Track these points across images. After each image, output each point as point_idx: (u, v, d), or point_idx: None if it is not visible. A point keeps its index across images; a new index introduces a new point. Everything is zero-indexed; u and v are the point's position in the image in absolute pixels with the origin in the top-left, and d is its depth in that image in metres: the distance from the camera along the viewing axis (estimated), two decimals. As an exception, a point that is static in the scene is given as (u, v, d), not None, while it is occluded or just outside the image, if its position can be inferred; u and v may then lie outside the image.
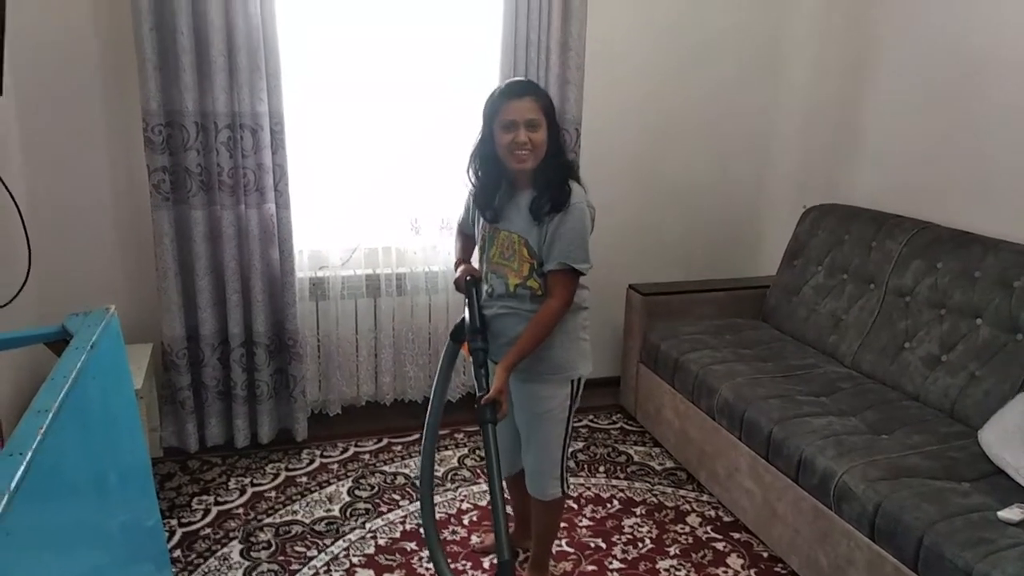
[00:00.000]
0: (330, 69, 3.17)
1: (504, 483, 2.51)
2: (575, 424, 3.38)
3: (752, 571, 2.51)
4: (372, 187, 3.31)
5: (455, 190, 3.31)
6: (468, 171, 2.15)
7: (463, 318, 2.17)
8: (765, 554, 2.59)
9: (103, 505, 1.73)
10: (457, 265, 2.30)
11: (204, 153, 2.92)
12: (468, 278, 2.19)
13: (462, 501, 2.88)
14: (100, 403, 1.79)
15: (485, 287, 2.16)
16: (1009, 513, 1.95)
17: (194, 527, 2.68)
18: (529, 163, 2.00)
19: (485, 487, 2.95)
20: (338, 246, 3.34)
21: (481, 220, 2.17)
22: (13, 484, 1.08)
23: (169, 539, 2.60)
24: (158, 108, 2.82)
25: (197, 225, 2.95)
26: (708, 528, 2.74)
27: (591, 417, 3.59)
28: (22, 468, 1.13)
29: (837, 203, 3.42)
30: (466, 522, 2.75)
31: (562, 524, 2.68)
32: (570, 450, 2.32)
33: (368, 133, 3.26)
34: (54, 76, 2.89)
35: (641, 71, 3.62)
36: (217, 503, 2.83)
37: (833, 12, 3.53)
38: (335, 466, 3.11)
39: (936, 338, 2.68)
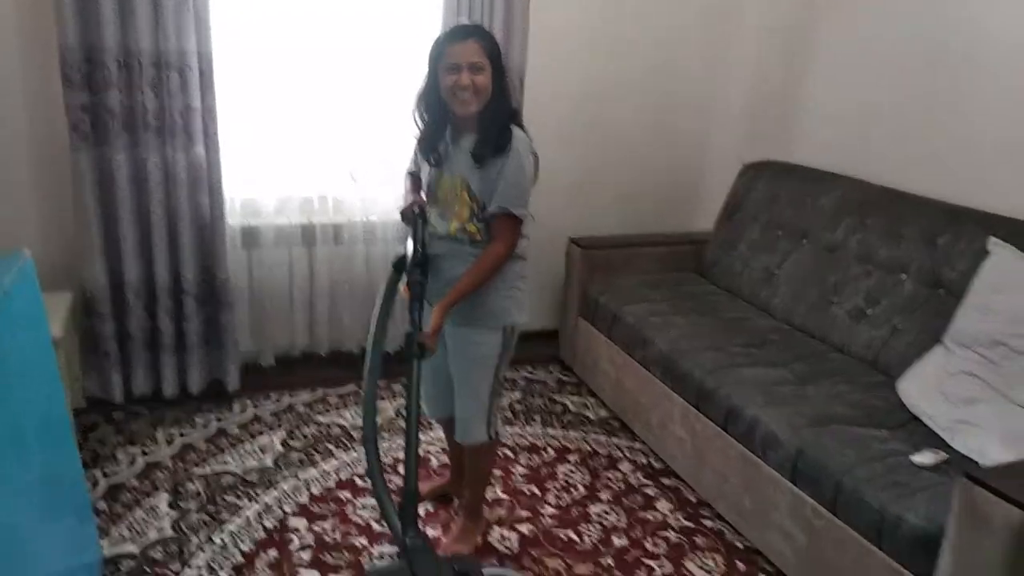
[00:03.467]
0: (263, 7, 3.03)
1: (443, 430, 2.53)
2: (510, 374, 3.44)
3: (680, 515, 2.58)
4: (308, 134, 3.20)
5: (396, 138, 3.25)
6: (414, 114, 2.12)
7: (405, 250, 2.12)
8: (693, 499, 2.66)
9: (18, 456, 1.66)
10: (406, 196, 2.27)
11: (127, 92, 2.78)
12: (416, 209, 2.15)
13: (399, 450, 2.87)
14: (13, 351, 1.72)
15: (430, 227, 2.13)
16: (922, 457, 2.04)
17: (120, 479, 2.61)
18: (472, 106, 1.98)
19: (423, 435, 2.95)
20: (272, 194, 3.24)
21: (426, 166, 2.14)
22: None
23: (93, 490, 2.52)
24: (76, 44, 2.66)
25: (120, 168, 2.82)
26: (639, 475, 2.80)
27: (529, 369, 3.60)
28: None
29: (775, 160, 3.46)
30: (402, 471, 2.74)
31: (497, 472, 2.71)
32: (502, 400, 2.33)
33: (304, 77, 3.14)
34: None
35: (586, 20, 3.56)
36: (144, 454, 2.76)
37: (777, -32, 3.54)
38: (268, 417, 3.06)
39: (863, 292, 2.76)
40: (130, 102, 2.79)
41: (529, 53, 3.27)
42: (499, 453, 2.84)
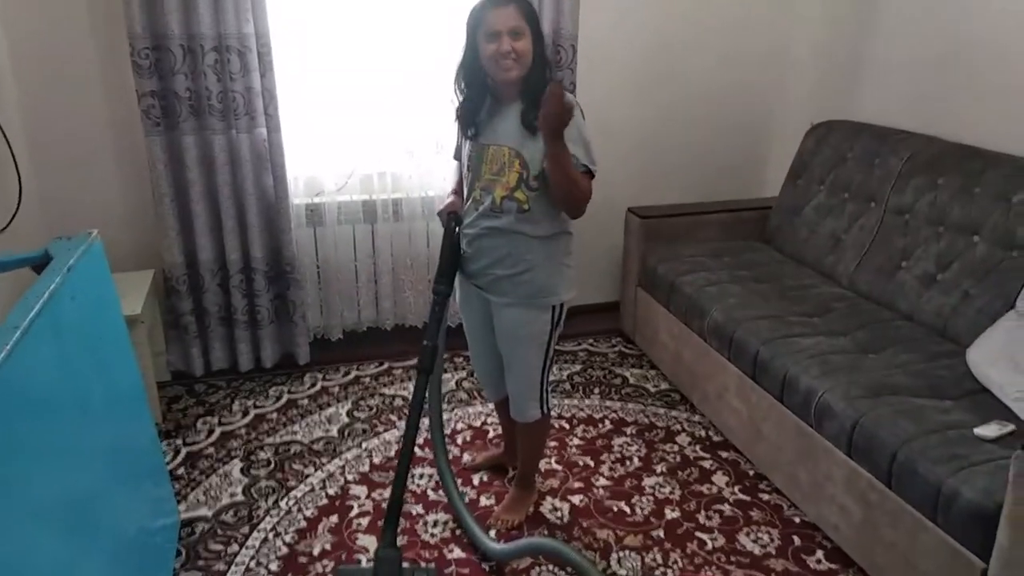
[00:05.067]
0: (319, -11, 3.09)
1: (495, 408, 2.57)
2: (571, 347, 3.45)
3: (736, 488, 2.55)
4: (365, 111, 3.26)
5: (449, 112, 3.27)
6: (455, 88, 2.11)
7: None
8: (751, 472, 2.62)
9: (87, 423, 1.78)
10: (449, 195, 2.30)
11: (192, 77, 2.90)
12: (451, 212, 2.18)
13: (457, 421, 2.94)
14: (80, 325, 1.83)
15: (472, 208, 2.11)
16: (986, 430, 1.94)
17: (198, 447, 2.77)
18: (515, 72, 1.96)
19: (481, 407, 3.01)
20: (333, 172, 3.32)
21: (467, 142, 2.13)
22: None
23: (173, 458, 2.70)
24: (143, 31, 2.79)
25: (189, 151, 2.96)
26: (696, 447, 2.78)
27: (590, 341, 3.60)
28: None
29: (842, 119, 3.31)
30: (459, 441, 2.81)
31: (552, 443, 2.74)
32: (551, 376, 2.33)
33: (359, 55, 3.19)
34: (41, 4, 2.86)
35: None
36: (221, 424, 2.92)
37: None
38: (336, 389, 3.18)
39: (932, 256, 2.63)
40: (195, 86, 2.91)
41: (581, 15, 3.21)
42: (555, 425, 2.87)
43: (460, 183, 2.27)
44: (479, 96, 2.08)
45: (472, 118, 2.09)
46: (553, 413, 2.29)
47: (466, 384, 3.20)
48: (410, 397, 3.05)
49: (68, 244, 1.94)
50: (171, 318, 3.17)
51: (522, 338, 2.16)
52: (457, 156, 2.27)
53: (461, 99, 2.12)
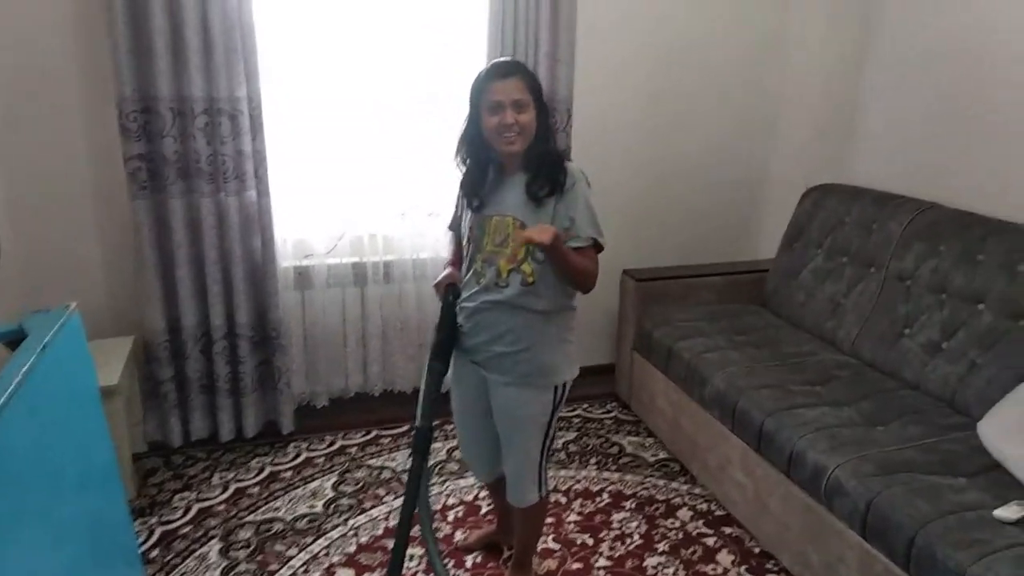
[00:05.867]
0: (310, 50, 3.07)
1: (488, 489, 2.46)
2: (566, 413, 3.34)
3: (742, 568, 2.43)
4: (357, 172, 3.22)
5: (441, 175, 3.23)
6: (456, 157, 2.05)
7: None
8: (756, 549, 2.51)
9: (57, 506, 1.68)
10: (446, 267, 2.19)
11: (181, 140, 2.84)
12: (448, 284, 2.09)
13: (448, 496, 2.81)
14: (54, 404, 1.74)
15: (473, 280, 2.02)
16: (1006, 512, 1.86)
17: (174, 525, 2.63)
18: (517, 145, 1.91)
19: (473, 479, 2.88)
20: (323, 234, 3.26)
21: (469, 213, 2.05)
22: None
23: (148, 538, 2.55)
24: (132, 93, 2.74)
25: (176, 214, 2.88)
26: (699, 522, 2.66)
27: (585, 406, 3.50)
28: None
29: (838, 183, 3.29)
30: (451, 518, 2.69)
31: (549, 519, 2.62)
32: (551, 455, 2.24)
33: (351, 117, 3.16)
34: (27, 61, 2.80)
35: (635, 49, 3.49)
36: (199, 500, 2.78)
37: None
38: (321, 460, 3.05)
39: (937, 324, 2.57)
40: (183, 149, 2.85)
41: (576, 81, 3.21)
42: (551, 499, 2.75)
43: (456, 254, 2.19)
44: (482, 167, 2.01)
45: (476, 190, 2.01)
46: (550, 485, 2.18)
47: (457, 454, 3.08)
48: (397, 469, 2.97)
49: (45, 319, 1.84)
50: (150, 386, 3.04)
51: (521, 419, 2.06)
52: (454, 227, 2.20)
53: (464, 171, 2.05)
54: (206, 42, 2.75)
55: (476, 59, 3.12)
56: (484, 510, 2.73)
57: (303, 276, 3.25)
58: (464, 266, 2.08)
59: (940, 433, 2.26)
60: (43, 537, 1.56)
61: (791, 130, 3.72)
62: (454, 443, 3.14)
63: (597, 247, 1.95)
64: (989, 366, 2.36)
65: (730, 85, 3.66)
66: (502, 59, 2.16)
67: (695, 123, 3.66)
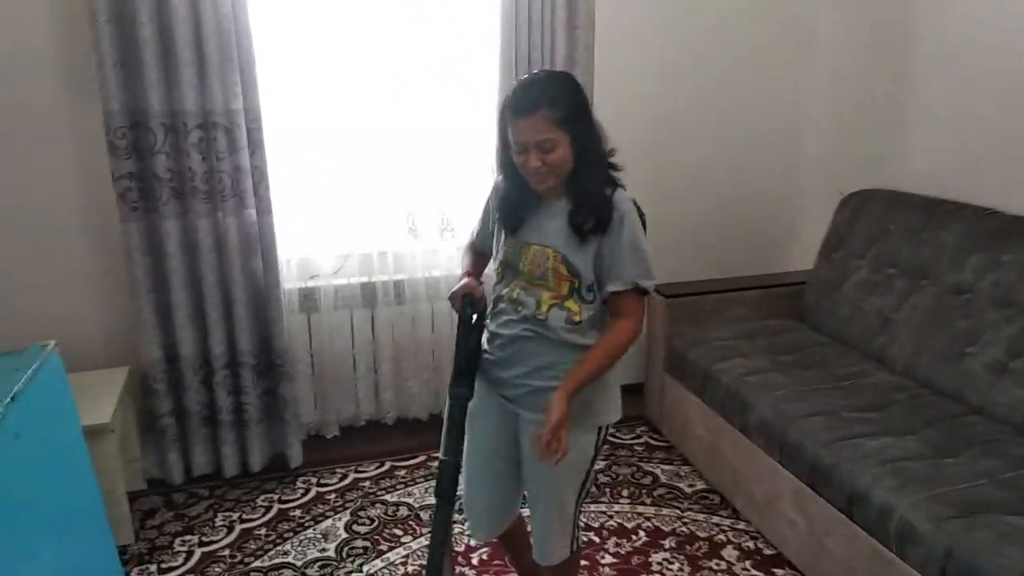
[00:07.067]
0: (312, 58, 2.87)
1: (502, 544, 2.21)
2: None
3: (801, 617, 2.21)
4: (364, 187, 3.02)
5: (454, 186, 3.04)
6: (497, 178, 1.85)
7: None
8: (814, 595, 2.29)
9: (40, 552, 1.52)
10: (462, 277, 1.90)
11: (175, 157, 2.64)
12: (465, 296, 1.81)
13: (470, 536, 2.59)
14: (29, 450, 1.54)
15: (511, 308, 1.78)
16: (1116, 563, 1.63)
17: (175, 574, 2.42)
18: (549, 182, 1.69)
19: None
20: (329, 253, 3.05)
21: (503, 233, 1.82)
22: None
23: (145, 589, 2.35)
24: (121, 108, 2.54)
25: (170, 236, 2.68)
26: (747, 563, 2.44)
27: (613, 430, 3.28)
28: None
29: (879, 188, 3.07)
30: (475, 561, 2.47)
31: (583, 562, 2.39)
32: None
33: (356, 128, 2.96)
34: (8, 77, 2.61)
35: (655, 52, 3.28)
36: (201, 543, 2.57)
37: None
38: (332, 496, 2.84)
39: (1003, 341, 2.35)
40: (177, 166, 2.65)
41: (595, 92, 3.00)
42: (583, 538, 2.53)
43: (475, 266, 1.96)
44: (519, 189, 1.77)
45: (515, 210, 1.79)
46: (580, 523, 1.96)
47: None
48: (415, 505, 2.75)
49: (15, 361, 1.63)
50: (147, 420, 2.84)
51: (559, 465, 1.83)
52: (478, 242, 1.97)
53: (501, 190, 1.83)
54: (199, 52, 2.56)
55: (489, 65, 2.91)
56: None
57: (308, 298, 3.05)
58: (496, 288, 1.85)
59: (1018, 465, 2.03)
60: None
61: (819, 135, 3.50)
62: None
63: (640, 291, 1.72)
64: (1068, 389, 2.14)
65: (753, 84, 3.44)
66: (527, 84, 1.76)
67: (718, 129, 3.44)
